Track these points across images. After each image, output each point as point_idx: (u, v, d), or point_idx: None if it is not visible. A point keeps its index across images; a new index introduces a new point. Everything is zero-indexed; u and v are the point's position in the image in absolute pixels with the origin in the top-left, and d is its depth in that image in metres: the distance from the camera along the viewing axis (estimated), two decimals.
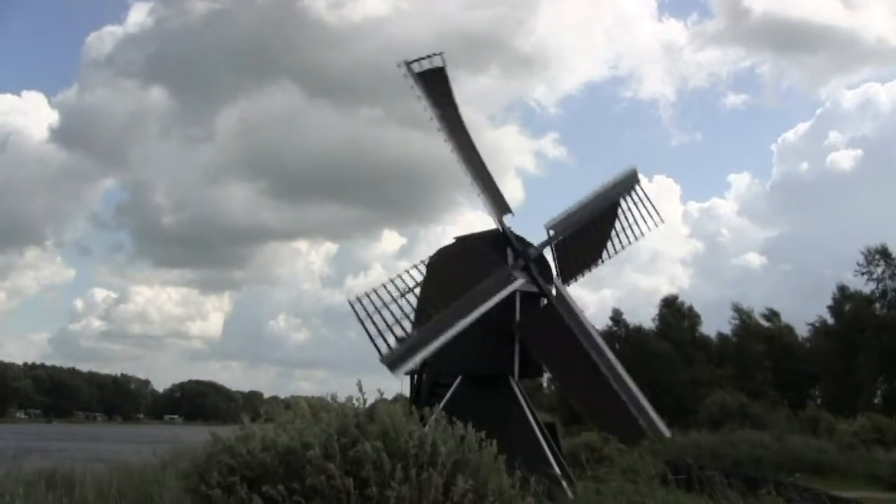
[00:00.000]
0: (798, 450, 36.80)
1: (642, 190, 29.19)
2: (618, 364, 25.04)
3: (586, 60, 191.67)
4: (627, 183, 29.20)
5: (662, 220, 29.63)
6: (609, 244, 28.30)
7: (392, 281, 24.05)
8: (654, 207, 29.07)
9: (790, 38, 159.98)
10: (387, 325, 22.70)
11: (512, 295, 25.51)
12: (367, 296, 23.11)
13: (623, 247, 28.54)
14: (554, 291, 26.01)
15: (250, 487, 10.03)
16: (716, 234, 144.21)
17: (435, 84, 26.64)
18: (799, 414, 49.33)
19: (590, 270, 28.10)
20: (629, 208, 28.75)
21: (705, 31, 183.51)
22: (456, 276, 24.19)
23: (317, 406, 12.29)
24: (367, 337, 22.30)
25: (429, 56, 26.87)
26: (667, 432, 24.55)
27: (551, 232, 26.97)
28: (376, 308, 22.95)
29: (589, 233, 27.84)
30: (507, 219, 26.50)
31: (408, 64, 26.49)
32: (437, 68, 26.87)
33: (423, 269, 24.92)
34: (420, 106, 25.91)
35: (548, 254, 26.92)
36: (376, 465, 10.06)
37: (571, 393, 26.38)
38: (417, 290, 24.16)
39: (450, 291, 23.67)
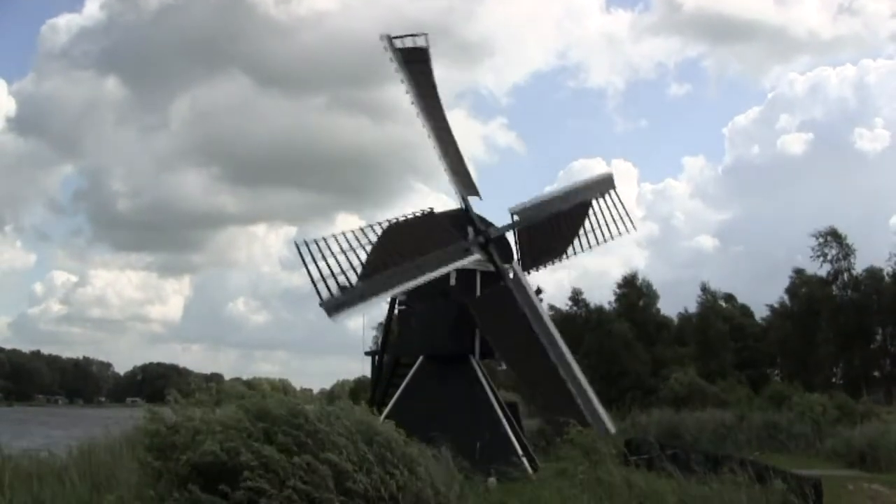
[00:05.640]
0: (760, 427, 36.98)
1: (617, 195, 28.86)
2: (568, 353, 24.50)
3: (535, 50, 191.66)
4: (603, 186, 28.91)
5: (635, 228, 29.25)
6: (576, 241, 27.96)
7: (344, 233, 22.94)
8: (627, 214, 28.83)
9: (723, 30, 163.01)
10: (332, 272, 21.74)
11: (472, 275, 25.31)
12: (316, 242, 22.02)
13: (590, 246, 28.22)
14: (511, 274, 25.64)
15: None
16: (669, 217, 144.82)
17: (415, 62, 26.45)
18: (760, 392, 49.57)
19: (552, 263, 27.86)
20: (601, 210, 28.41)
21: (645, 22, 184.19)
22: (411, 242, 23.56)
23: (277, 387, 12.27)
24: (310, 280, 21.31)
25: (412, 35, 26.83)
26: (612, 428, 23.88)
27: (515, 217, 26.68)
28: (323, 255, 21.89)
29: (555, 226, 27.49)
30: (473, 201, 26.26)
31: (390, 39, 26.32)
32: (419, 48, 26.75)
33: (378, 230, 23.81)
34: (396, 82, 25.94)
35: (510, 237, 26.74)
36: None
37: (519, 376, 25.99)
38: (369, 248, 23.01)
39: (402, 255, 23.16)
